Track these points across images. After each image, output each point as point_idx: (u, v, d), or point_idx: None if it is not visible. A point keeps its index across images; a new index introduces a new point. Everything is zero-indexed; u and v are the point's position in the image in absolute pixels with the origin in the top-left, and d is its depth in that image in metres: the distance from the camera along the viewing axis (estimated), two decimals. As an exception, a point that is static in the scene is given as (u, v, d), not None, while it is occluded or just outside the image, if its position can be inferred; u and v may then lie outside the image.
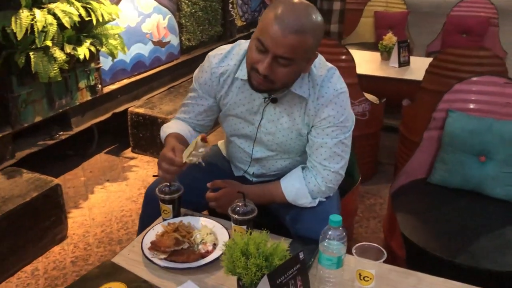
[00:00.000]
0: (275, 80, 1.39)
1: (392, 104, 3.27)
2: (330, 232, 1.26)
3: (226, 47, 1.60)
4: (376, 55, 3.88)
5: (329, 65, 1.56)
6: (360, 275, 1.27)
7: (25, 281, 2.23)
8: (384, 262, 1.87)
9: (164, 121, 3.30)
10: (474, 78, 2.00)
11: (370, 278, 1.27)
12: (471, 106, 2.01)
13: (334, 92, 1.49)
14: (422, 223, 1.85)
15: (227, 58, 1.57)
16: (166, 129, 1.70)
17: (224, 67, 1.57)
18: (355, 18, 5.12)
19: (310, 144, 1.57)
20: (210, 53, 1.62)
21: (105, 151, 3.55)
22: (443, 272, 1.49)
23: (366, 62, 3.77)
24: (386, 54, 3.75)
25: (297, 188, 1.57)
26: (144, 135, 3.43)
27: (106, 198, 2.93)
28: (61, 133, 2.91)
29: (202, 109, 1.66)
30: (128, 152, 3.53)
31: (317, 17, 1.36)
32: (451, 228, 1.81)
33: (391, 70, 3.56)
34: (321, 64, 1.53)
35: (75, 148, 3.42)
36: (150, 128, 3.38)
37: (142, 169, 3.30)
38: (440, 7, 8.47)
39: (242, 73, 1.52)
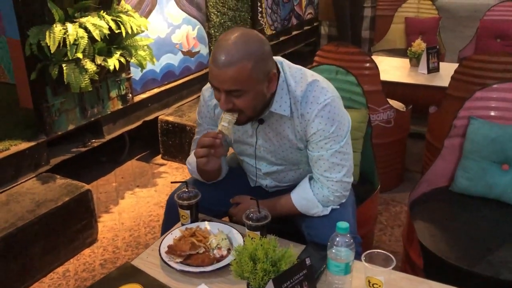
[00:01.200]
0: (241, 109, 1.43)
1: (420, 111, 3.24)
2: (337, 239, 1.28)
3: None
4: (406, 61, 3.84)
5: (311, 78, 1.54)
6: (369, 282, 1.28)
7: (57, 281, 2.34)
8: (402, 270, 1.87)
9: (192, 128, 3.39)
10: (495, 85, 1.97)
11: (379, 286, 1.27)
12: (493, 113, 1.98)
13: (317, 106, 1.49)
14: (441, 232, 1.83)
15: None
16: (191, 159, 1.73)
17: (215, 99, 1.61)
18: (385, 24, 5.08)
19: (309, 158, 1.60)
20: (203, 88, 1.71)
21: (137, 157, 3.67)
22: (462, 282, 1.48)
23: (395, 69, 3.75)
24: (415, 61, 3.71)
25: (307, 200, 1.60)
26: (173, 142, 3.52)
27: (136, 203, 3.03)
28: (94, 140, 3.04)
29: None
30: (158, 159, 3.64)
31: (251, 40, 1.39)
32: (471, 237, 1.78)
33: (419, 77, 3.52)
34: (302, 79, 1.53)
35: (108, 155, 3.55)
36: (179, 135, 3.48)
37: (171, 175, 3.39)
38: (477, 10, 8.27)
39: None
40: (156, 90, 3.55)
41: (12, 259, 2.20)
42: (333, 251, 1.28)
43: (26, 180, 2.60)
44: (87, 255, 2.53)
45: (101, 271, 2.41)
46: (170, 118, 3.51)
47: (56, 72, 2.46)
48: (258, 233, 1.48)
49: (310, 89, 1.51)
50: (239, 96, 1.40)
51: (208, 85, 1.68)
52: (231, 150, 1.85)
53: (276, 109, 1.51)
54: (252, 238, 1.47)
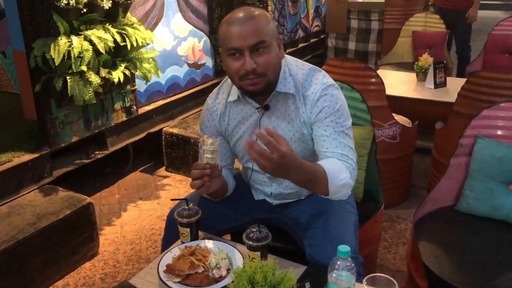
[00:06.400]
0: (264, 70, 1.46)
1: (427, 126, 3.20)
2: (338, 263, 1.25)
3: (218, 85, 1.71)
4: (413, 75, 3.81)
5: (311, 65, 1.63)
6: (370, 307, 1.25)
7: (56, 295, 2.33)
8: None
9: (196, 140, 3.37)
10: (503, 104, 1.94)
11: (381, 311, 1.24)
12: (500, 132, 1.94)
13: (321, 86, 1.55)
14: (446, 253, 1.79)
15: (219, 93, 1.68)
16: None
17: (219, 103, 1.67)
18: (393, 37, 5.07)
19: (316, 140, 1.58)
20: (207, 99, 1.74)
21: (141, 169, 3.66)
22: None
23: (402, 83, 3.72)
24: (422, 75, 3.68)
25: (333, 163, 1.51)
26: (177, 154, 3.51)
27: (138, 216, 3.01)
28: (97, 152, 3.03)
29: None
30: (162, 171, 3.62)
31: (256, 8, 1.51)
32: (477, 260, 1.74)
33: (426, 92, 3.49)
34: (303, 65, 1.62)
35: (112, 166, 3.54)
36: (183, 147, 3.46)
37: (174, 188, 3.37)
38: (486, 24, 8.23)
39: (233, 96, 1.61)
40: (161, 102, 3.55)
41: (12, 273, 2.19)
42: (334, 275, 1.24)
43: (28, 192, 2.59)
44: (88, 269, 2.51)
45: (101, 285, 2.39)
46: (175, 130, 3.50)
47: (60, 85, 2.46)
48: (258, 253, 1.45)
49: (312, 73, 1.58)
50: (262, 52, 1.44)
51: (210, 94, 1.71)
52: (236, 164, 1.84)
53: (281, 88, 1.55)
54: (252, 259, 1.45)
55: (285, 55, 1.62)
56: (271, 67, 1.47)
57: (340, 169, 1.50)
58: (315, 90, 1.55)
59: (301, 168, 1.37)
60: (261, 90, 1.51)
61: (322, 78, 1.57)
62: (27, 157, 2.61)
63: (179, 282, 1.43)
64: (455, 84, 3.47)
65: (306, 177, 1.41)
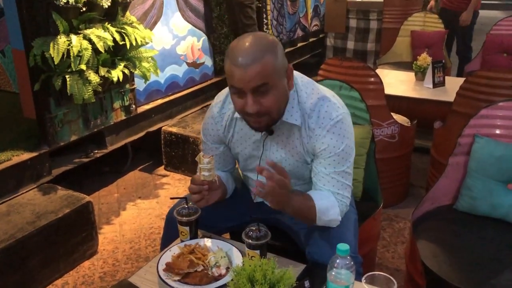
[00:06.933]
0: (268, 111, 1.41)
1: (425, 125, 3.21)
2: (337, 261, 1.25)
3: (224, 92, 1.64)
4: (411, 75, 3.82)
5: (323, 93, 1.54)
6: (369, 305, 1.25)
7: (55, 294, 2.33)
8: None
9: (195, 139, 3.37)
10: (501, 103, 1.95)
11: (380, 309, 1.25)
12: (498, 131, 1.95)
13: (330, 121, 1.49)
14: (445, 252, 1.79)
15: (225, 103, 1.61)
16: None
17: (226, 114, 1.62)
18: (391, 37, 5.08)
19: (315, 172, 1.57)
20: (212, 103, 1.68)
21: (139, 168, 3.66)
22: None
23: (400, 83, 3.72)
24: (420, 75, 3.69)
25: (326, 197, 1.54)
26: (176, 153, 3.51)
27: (137, 215, 3.01)
28: (96, 151, 3.03)
29: (216, 158, 1.69)
30: (161, 170, 3.63)
31: (265, 38, 1.41)
32: (475, 258, 1.75)
33: (425, 91, 3.50)
34: (313, 91, 1.53)
35: (111, 165, 3.54)
36: (182, 146, 3.47)
37: (173, 187, 3.37)
38: (484, 23, 8.24)
39: None
40: (160, 101, 3.56)
41: (12, 271, 2.19)
42: (333, 273, 1.25)
43: (27, 191, 2.59)
44: (87, 268, 2.51)
45: (100, 284, 2.39)
46: (173, 129, 3.50)
47: (59, 83, 2.46)
48: (258, 252, 1.45)
49: (322, 104, 1.51)
50: (266, 93, 1.38)
51: (216, 99, 1.67)
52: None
53: (287, 119, 1.50)
54: (251, 257, 1.45)
55: (297, 76, 1.56)
56: (275, 107, 1.42)
57: (332, 205, 1.53)
58: (322, 125, 1.49)
59: (290, 202, 1.44)
60: (264, 128, 1.49)
61: (331, 111, 1.50)
62: (26, 156, 2.61)
63: (178, 280, 1.44)
64: (453, 83, 3.48)
65: (294, 211, 1.49)
